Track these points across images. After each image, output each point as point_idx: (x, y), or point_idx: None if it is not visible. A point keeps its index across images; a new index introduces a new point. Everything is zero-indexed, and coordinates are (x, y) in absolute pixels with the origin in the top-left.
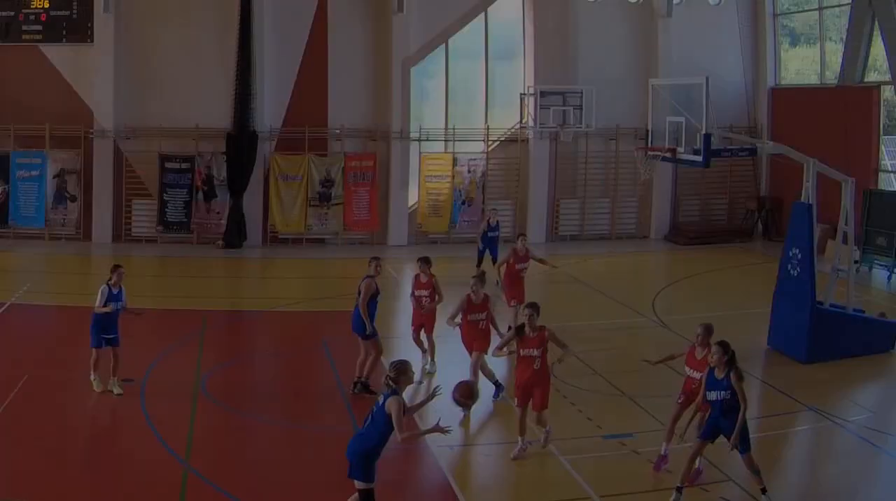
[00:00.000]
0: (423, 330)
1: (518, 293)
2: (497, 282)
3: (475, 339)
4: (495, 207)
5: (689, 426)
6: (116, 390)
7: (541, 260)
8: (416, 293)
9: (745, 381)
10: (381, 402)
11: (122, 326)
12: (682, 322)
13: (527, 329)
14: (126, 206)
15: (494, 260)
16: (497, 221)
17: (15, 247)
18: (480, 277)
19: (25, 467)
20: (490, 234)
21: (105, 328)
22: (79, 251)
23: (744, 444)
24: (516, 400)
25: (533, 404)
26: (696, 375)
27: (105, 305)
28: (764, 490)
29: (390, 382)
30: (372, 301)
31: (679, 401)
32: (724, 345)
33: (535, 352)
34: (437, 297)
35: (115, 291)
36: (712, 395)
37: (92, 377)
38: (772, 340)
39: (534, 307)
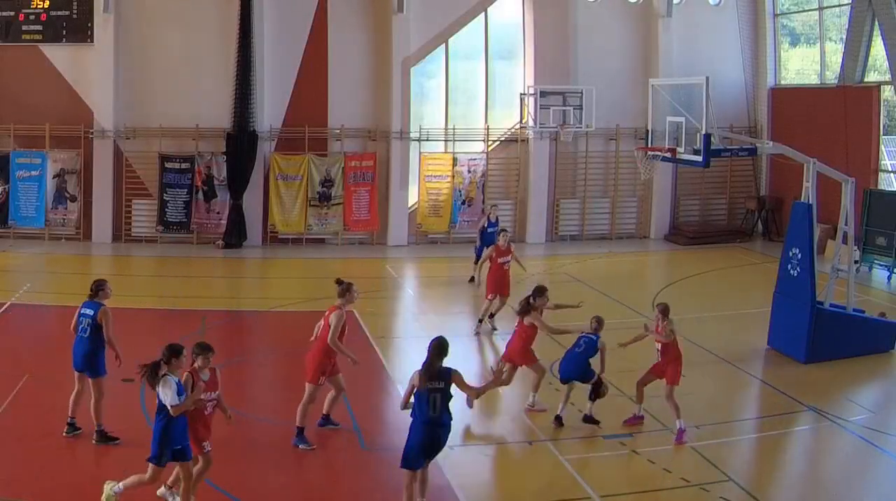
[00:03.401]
0: None
1: (499, 287)
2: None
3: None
4: (496, 203)
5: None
6: None
7: (517, 260)
8: None
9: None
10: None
11: (121, 326)
12: (682, 322)
13: None
14: (126, 206)
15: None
16: (497, 217)
17: (15, 247)
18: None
19: (25, 467)
20: (489, 230)
21: None
22: (79, 251)
23: None
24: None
25: None
26: (658, 346)
27: None
28: None
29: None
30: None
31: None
32: None
33: None
34: None
35: None
36: None
37: None
38: (772, 340)
39: None
